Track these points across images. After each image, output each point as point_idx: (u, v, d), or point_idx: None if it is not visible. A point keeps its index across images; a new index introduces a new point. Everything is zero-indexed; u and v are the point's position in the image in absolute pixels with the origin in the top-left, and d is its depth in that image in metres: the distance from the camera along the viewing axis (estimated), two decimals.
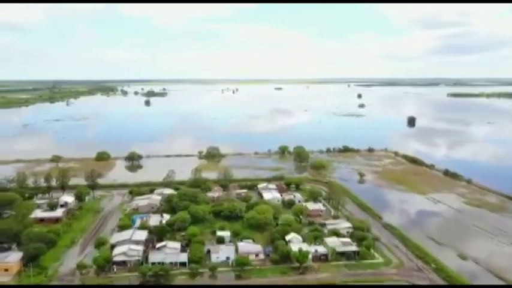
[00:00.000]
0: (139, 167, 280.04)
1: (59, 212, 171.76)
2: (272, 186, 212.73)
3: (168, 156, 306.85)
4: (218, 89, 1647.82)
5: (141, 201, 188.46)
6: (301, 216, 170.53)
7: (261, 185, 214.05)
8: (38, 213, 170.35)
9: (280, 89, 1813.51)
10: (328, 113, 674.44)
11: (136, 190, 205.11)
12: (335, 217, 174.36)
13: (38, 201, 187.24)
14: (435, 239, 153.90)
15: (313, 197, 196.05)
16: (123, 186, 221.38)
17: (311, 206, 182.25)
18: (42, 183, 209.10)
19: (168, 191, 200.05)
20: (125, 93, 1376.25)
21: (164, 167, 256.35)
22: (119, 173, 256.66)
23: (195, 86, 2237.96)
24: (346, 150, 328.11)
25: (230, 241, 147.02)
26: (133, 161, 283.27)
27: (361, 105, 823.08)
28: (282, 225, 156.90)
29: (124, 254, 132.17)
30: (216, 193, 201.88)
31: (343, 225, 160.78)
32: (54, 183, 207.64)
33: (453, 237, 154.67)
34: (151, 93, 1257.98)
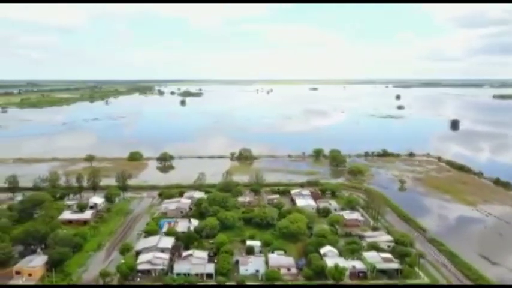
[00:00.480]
0: (171, 168, 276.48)
1: (87, 214, 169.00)
2: (306, 192, 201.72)
3: (200, 157, 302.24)
4: (253, 89, 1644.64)
5: (170, 204, 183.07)
6: (337, 227, 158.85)
7: (294, 191, 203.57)
8: (67, 215, 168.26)
9: (315, 89, 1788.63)
10: (365, 115, 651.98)
11: (166, 192, 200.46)
12: (374, 228, 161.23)
13: (69, 202, 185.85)
14: (488, 257, 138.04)
15: (350, 205, 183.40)
16: (153, 187, 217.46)
17: (348, 215, 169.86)
18: (74, 183, 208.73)
19: (198, 195, 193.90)
20: (161, 93, 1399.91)
21: (195, 168, 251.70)
22: (150, 174, 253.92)
23: (230, 86, 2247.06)
24: (385, 154, 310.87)
25: (260, 252, 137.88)
26: (165, 161, 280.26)
27: (400, 107, 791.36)
28: (317, 236, 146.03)
29: (149, 262, 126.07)
30: (247, 198, 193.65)
31: (384, 238, 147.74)
32: (85, 183, 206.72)
33: (508, 256, 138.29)
34: (187, 93, 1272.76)
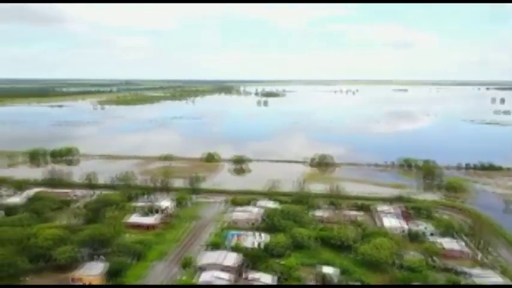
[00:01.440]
0: (245, 171, 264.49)
1: (154, 219, 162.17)
2: (393, 210, 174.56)
3: (276, 161, 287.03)
4: (335, 90, 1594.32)
5: (240, 213, 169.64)
6: (434, 258, 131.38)
7: (380, 208, 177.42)
8: (134, 218, 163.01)
9: (404, 90, 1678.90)
10: (462, 120, 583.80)
11: (237, 200, 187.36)
12: (482, 264, 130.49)
13: (139, 204, 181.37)
14: None
15: (450, 231, 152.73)
16: (224, 192, 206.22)
17: (447, 243, 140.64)
18: (148, 183, 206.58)
19: (271, 204, 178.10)
20: (245, 93, 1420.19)
21: (271, 173, 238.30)
22: (224, 177, 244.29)
23: (314, 86, 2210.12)
24: (490, 168, 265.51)
25: (337, 282, 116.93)
26: (240, 164, 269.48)
27: (507, 112, 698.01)
28: (407, 268, 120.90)
29: (209, 283, 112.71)
30: (324, 213, 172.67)
31: (496, 279, 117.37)
32: (159, 184, 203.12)
33: None
34: (269, 94, 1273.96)
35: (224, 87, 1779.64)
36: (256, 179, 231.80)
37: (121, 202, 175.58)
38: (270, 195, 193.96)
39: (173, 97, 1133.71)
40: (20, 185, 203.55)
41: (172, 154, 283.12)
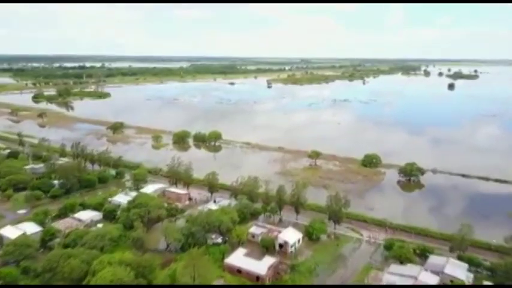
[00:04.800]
0: (418, 187, 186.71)
1: (263, 265, 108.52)
2: None
3: (465, 175, 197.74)
4: None
5: (401, 268, 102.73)
6: None
7: None
8: (237, 257, 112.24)
9: None
10: None
11: (399, 246, 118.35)
12: None
13: (254, 229, 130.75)
14: None
15: None
16: (382, 224, 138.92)
17: None
18: (274, 192, 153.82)
19: (458, 265, 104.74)
20: (427, 73, 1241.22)
21: (459, 199, 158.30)
22: (386, 197, 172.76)
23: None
24: None
25: None
26: (410, 177, 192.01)
27: None
28: None
29: None
30: None
31: None
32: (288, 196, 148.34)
33: None
34: (458, 75, 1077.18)
35: (404, 67, 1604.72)
36: (435, 207, 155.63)
37: (233, 223, 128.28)
38: (458, 244, 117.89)
39: (346, 77, 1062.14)
40: (141, 177, 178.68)
41: (320, 152, 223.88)
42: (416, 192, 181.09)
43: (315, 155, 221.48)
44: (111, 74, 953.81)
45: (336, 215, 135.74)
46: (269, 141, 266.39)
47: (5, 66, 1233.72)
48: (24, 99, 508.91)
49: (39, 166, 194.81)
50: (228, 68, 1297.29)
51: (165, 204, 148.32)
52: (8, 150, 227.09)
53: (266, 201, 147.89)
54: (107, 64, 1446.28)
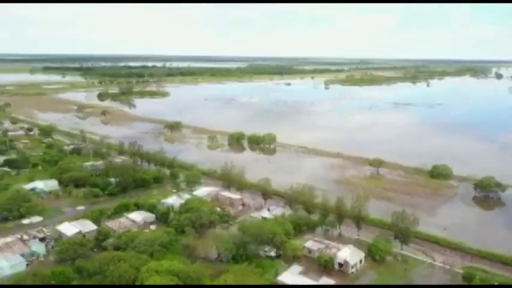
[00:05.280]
0: (499, 205, 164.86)
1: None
2: None
3: None
4: None
5: None
6: None
7: None
8: (294, 276, 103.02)
9: None
10: None
11: (487, 280, 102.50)
12: None
13: (314, 243, 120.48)
14: None
15: None
16: (458, 248, 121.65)
17: None
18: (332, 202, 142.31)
19: None
20: (499, 76, 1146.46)
21: None
22: (461, 215, 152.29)
23: None
24: None
25: None
26: (488, 193, 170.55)
27: None
28: None
29: None
30: None
31: None
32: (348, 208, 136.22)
33: None
34: None
35: (472, 68, 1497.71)
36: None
37: (287, 235, 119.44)
38: None
39: (409, 78, 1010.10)
40: (194, 179, 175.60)
41: (383, 160, 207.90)
42: (496, 211, 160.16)
43: (377, 163, 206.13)
44: (171, 74, 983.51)
45: (403, 234, 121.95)
46: (326, 144, 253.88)
47: (76, 65, 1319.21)
48: (91, 96, 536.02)
49: (99, 163, 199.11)
50: (285, 69, 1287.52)
51: (218, 209, 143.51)
52: (72, 146, 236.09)
53: (324, 213, 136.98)
54: (168, 64, 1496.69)
